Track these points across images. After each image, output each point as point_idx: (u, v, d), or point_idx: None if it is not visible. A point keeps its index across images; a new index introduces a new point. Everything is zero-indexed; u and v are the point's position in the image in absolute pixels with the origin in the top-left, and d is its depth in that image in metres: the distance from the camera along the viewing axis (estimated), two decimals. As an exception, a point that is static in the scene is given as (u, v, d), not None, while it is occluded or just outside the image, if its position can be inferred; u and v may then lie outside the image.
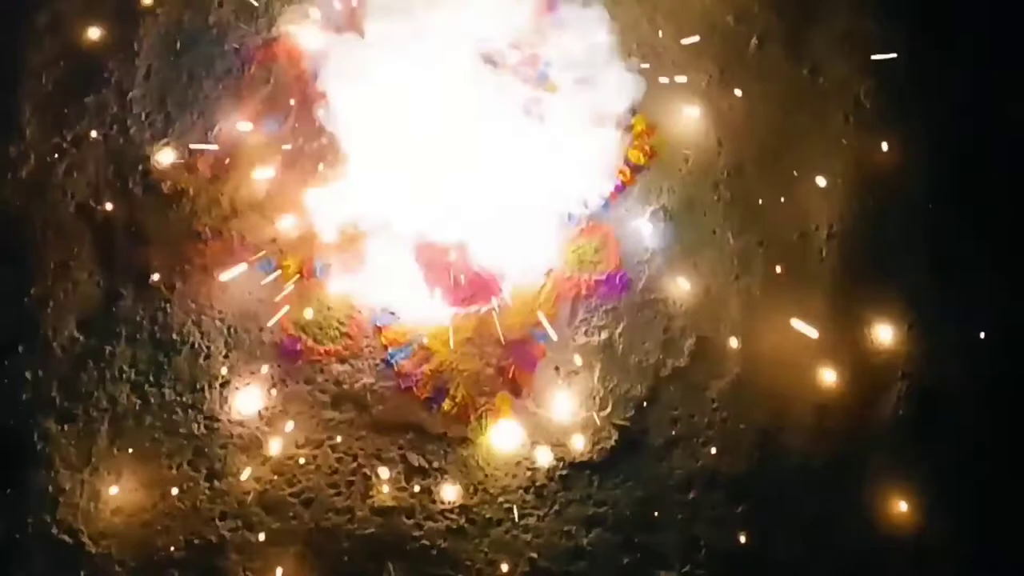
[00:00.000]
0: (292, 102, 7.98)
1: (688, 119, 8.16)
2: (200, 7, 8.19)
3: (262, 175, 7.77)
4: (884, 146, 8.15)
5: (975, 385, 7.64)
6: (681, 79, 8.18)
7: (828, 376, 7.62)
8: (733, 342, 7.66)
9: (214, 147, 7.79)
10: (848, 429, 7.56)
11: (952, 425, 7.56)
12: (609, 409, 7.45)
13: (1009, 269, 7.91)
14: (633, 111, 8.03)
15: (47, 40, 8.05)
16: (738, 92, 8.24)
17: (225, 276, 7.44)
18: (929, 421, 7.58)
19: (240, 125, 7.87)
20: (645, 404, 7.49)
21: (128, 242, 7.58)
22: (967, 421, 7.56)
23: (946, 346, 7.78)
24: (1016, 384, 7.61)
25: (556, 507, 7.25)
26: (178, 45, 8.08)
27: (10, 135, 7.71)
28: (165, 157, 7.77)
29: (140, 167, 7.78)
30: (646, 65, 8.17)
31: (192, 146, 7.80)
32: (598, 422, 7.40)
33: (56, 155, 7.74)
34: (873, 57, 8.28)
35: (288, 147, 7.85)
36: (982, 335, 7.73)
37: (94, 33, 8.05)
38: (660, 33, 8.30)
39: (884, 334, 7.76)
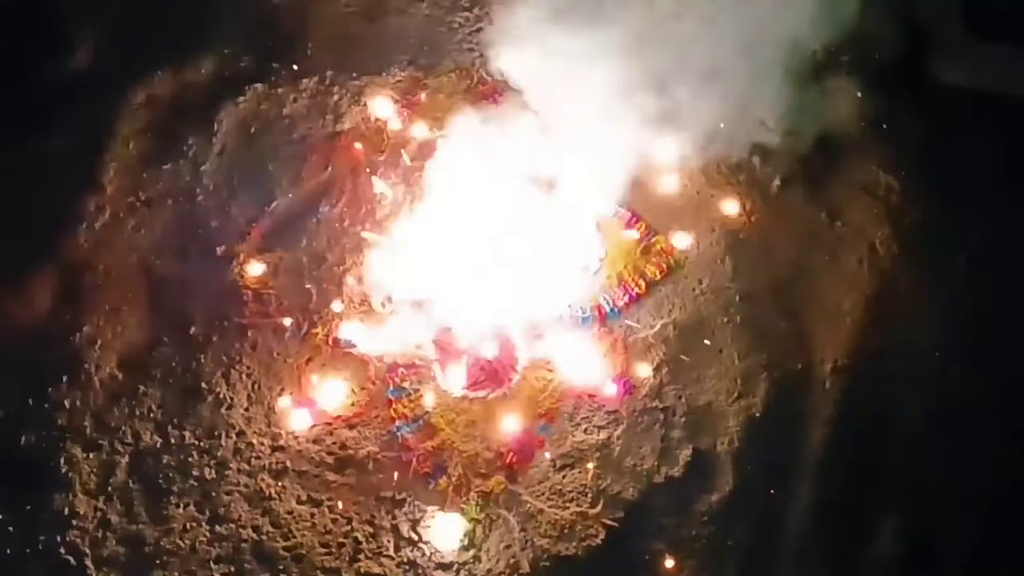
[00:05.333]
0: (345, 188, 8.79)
1: (708, 244, 8.70)
2: (276, 100, 9.14)
3: (308, 248, 8.49)
4: (895, 292, 8.54)
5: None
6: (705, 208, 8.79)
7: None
8: (728, 459, 7.89)
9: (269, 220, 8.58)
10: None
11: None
12: (600, 507, 7.66)
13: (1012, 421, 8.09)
14: (655, 231, 8.63)
15: (141, 114, 9.04)
16: (758, 226, 8.77)
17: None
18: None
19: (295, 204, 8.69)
20: (635, 508, 7.70)
21: (176, 296, 8.25)
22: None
23: (939, 499, 7.96)
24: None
25: (535, 597, 7.41)
26: (252, 130, 9.00)
27: (93, 190, 8.59)
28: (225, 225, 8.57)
29: (200, 232, 8.55)
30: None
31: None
32: (587, 518, 7.61)
33: (129, 212, 8.57)
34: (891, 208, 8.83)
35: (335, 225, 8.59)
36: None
37: (180, 112, 9.03)
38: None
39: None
